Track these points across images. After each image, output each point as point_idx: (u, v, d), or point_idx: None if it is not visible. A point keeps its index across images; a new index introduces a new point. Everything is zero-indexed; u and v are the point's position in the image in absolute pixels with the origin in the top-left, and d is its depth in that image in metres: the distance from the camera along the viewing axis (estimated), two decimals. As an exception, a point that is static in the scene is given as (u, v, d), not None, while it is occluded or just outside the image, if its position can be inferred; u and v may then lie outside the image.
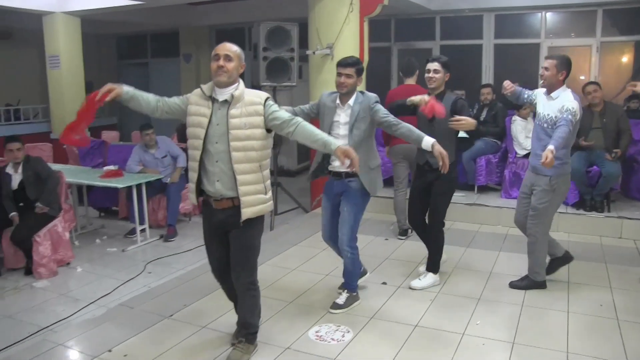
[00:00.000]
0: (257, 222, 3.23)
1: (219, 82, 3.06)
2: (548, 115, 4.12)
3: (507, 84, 4.49)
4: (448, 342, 3.57)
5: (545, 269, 4.49)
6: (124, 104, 3.18)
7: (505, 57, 9.37)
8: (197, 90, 3.19)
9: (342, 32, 6.64)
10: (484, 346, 3.52)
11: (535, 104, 4.34)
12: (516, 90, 4.51)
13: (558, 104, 4.04)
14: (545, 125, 4.14)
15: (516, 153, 6.76)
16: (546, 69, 4.13)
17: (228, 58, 3.06)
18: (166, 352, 3.47)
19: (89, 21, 9.87)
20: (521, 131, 6.66)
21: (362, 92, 3.93)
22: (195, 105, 3.16)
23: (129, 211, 6.82)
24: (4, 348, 3.71)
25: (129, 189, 6.07)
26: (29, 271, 5.17)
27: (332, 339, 3.63)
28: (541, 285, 4.42)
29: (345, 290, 4.12)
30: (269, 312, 3.96)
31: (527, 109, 6.44)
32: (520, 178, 6.52)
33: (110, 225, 6.90)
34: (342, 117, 3.91)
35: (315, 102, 4.10)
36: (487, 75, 9.39)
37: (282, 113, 3.13)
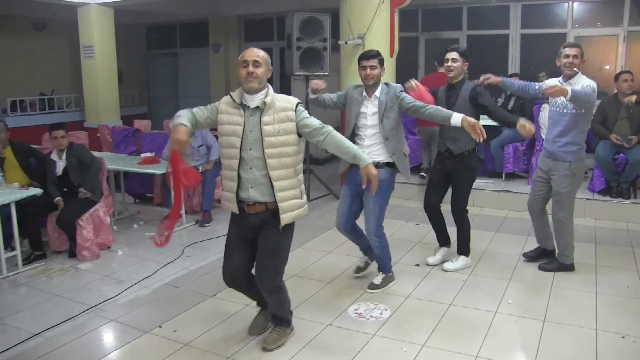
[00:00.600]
0: (290, 227, 3.25)
1: (250, 89, 3.05)
2: (565, 101, 4.20)
3: (483, 77, 4.59)
4: (481, 320, 3.74)
5: (529, 255, 4.78)
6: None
7: (532, 47, 9.42)
8: (227, 98, 3.18)
9: (373, 23, 6.77)
10: (515, 323, 3.68)
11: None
12: (505, 82, 4.66)
13: (578, 87, 4.13)
14: (565, 110, 4.26)
15: (543, 140, 6.83)
16: (575, 57, 4.23)
17: (257, 64, 3.04)
18: (213, 329, 3.68)
19: (119, 11, 10.10)
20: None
21: (386, 84, 4.07)
22: (226, 113, 3.15)
23: (164, 197, 7.06)
24: (58, 324, 3.92)
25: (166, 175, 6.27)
26: (72, 254, 5.38)
27: (371, 316, 3.81)
28: (570, 267, 4.56)
29: (381, 272, 4.28)
30: (309, 292, 4.18)
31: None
32: (548, 166, 6.64)
33: (146, 211, 7.12)
34: (370, 108, 4.03)
35: (342, 93, 4.24)
36: (514, 65, 9.44)
37: (313, 120, 3.13)
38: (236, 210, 3.19)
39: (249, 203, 3.14)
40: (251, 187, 3.10)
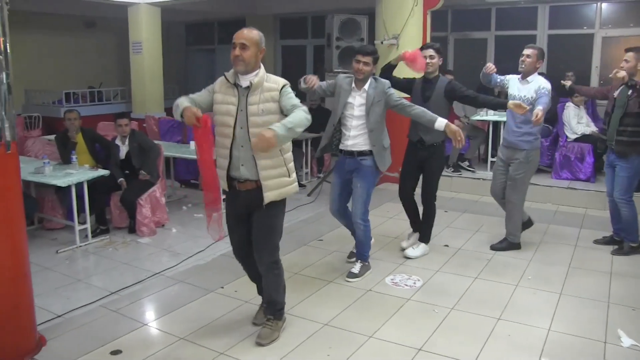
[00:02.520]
0: (278, 204, 3.33)
1: (237, 72, 3.14)
2: (524, 96, 4.70)
3: (490, 66, 4.96)
4: (504, 290, 4.23)
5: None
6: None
7: (559, 48, 9.72)
8: (222, 78, 3.25)
9: (407, 24, 7.24)
10: (534, 295, 4.16)
11: (507, 87, 4.93)
12: (492, 76, 5.04)
13: (534, 86, 4.67)
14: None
15: (567, 137, 7.26)
16: (528, 56, 4.74)
17: (243, 46, 3.09)
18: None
19: (162, 9, 10.68)
20: (573, 117, 7.16)
21: (375, 79, 4.26)
22: (221, 93, 3.23)
23: (210, 183, 7.60)
24: (130, 285, 4.49)
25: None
26: (132, 229, 5.97)
27: (406, 285, 4.34)
28: (517, 246, 5.10)
29: (359, 261, 4.53)
30: (349, 265, 4.69)
31: (579, 97, 6.91)
32: (569, 161, 7.07)
33: (193, 195, 7.68)
34: (357, 99, 4.22)
35: (332, 82, 4.38)
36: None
37: (289, 100, 3.15)
38: (225, 187, 3.32)
39: (240, 180, 3.24)
40: (242, 165, 3.20)
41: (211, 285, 4.36)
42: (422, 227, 5.02)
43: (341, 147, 4.35)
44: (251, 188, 3.24)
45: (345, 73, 7.04)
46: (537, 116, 4.34)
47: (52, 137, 7.33)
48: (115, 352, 3.37)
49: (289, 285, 4.26)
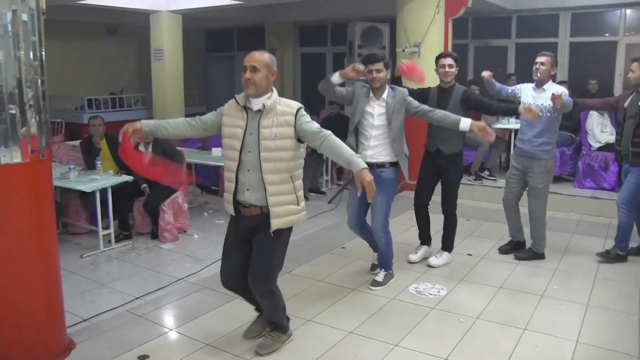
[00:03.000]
0: (284, 233, 3.23)
1: (248, 95, 3.08)
2: (542, 104, 4.67)
3: (486, 73, 4.98)
4: (528, 301, 4.19)
5: (503, 248, 5.25)
6: (151, 136, 3.34)
7: (581, 55, 9.67)
8: (232, 101, 3.18)
9: (428, 32, 7.25)
10: (560, 306, 4.12)
11: (520, 97, 4.90)
12: (492, 82, 5.06)
13: (550, 93, 4.60)
14: (540, 113, 4.69)
15: (590, 146, 7.20)
16: (542, 64, 4.72)
17: (254, 69, 3.02)
18: (292, 298, 4.21)
19: (183, 17, 10.78)
20: (597, 125, 7.11)
21: (392, 88, 4.22)
22: (229, 116, 3.17)
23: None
24: (154, 290, 4.53)
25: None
26: (154, 235, 6.01)
27: (430, 294, 4.32)
28: (541, 256, 5.05)
29: (383, 269, 4.51)
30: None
31: None
32: (593, 170, 7.01)
33: (213, 201, 7.72)
34: (377, 109, 4.16)
35: (351, 89, 4.30)
36: (562, 72, 9.69)
37: (312, 125, 3.09)
38: (232, 212, 3.22)
39: (245, 205, 3.16)
40: (247, 190, 3.11)
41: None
42: (445, 236, 4.99)
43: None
44: (255, 214, 3.15)
45: (366, 81, 7.16)
46: (558, 96, 4.39)
47: (77, 142, 7.43)
48: (143, 357, 3.39)
49: (314, 293, 4.33)
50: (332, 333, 3.70)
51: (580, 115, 7.35)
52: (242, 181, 3.11)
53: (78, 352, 3.46)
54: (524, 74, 4.90)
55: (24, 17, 2.98)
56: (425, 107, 4.20)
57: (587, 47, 9.62)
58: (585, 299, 4.22)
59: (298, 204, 3.21)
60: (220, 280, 3.41)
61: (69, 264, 5.08)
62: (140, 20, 10.60)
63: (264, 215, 3.12)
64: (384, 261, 4.51)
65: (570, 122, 7.38)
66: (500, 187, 7.15)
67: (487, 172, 7.60)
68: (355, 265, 4.92)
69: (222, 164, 6.70)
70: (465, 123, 4.03)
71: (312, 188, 7.84)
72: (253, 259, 3.21)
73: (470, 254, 5.21)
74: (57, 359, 3.34)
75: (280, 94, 3.23)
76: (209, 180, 8.19)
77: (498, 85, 5.09)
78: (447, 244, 5.00)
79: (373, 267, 4.74)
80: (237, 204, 3.19)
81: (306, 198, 7.61)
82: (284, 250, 3.31)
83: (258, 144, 3.05)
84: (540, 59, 4.73)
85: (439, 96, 4.69)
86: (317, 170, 7.81)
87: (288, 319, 3.57)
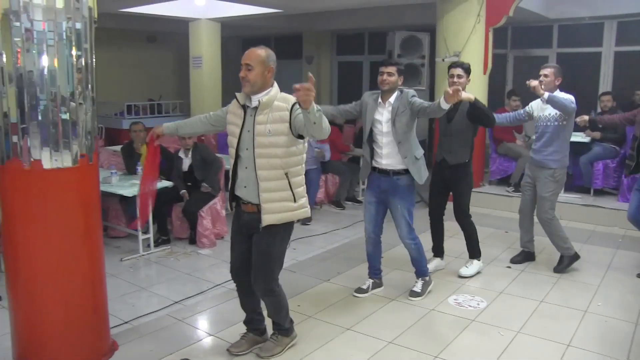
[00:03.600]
0: (279, 229, 3.19)
1: (245, 92, 3.11)
2: (550, 114, 4.75)
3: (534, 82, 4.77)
4: (571, 316, 4.10)
5: (516, 259, 5.21)
6: (175, 136, 3.56)
7: (626, 66, 9.40)
8: (234, 99, 3.23)
9: (468, 41, 7.19)
10: (606, 323, 4.01)
11: (532, 113, 4.96)
12: (509, 116, 5.16)
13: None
14: (548, 123, 4.78)
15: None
16: (545, 75, 4.74)
17: (248, 67, 3.04)
18: (331, 306, 4.24)
19: (222, 25, 10.91)
20: (642, 138, 6.92)
21: (401, 91, 4.12)
22: (231, 114, 3.24)
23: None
24: (192, 295, 4.57)
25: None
26: (192, 240, 6.08)
27: (470, 306, 4.27)
28: (575, 257, 5.01)
29: (420, 278, 4.43)
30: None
31: None
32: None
33: (250, 208, 7.78)
34: (385, 114, 4.09)
35: (358, 102, 4.29)
36: (605, 83, 9.49)
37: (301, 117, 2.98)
38: (229, 207, 3.33)
39: (244, 201, 3.20)
40: (245, 187, 3.16)
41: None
42: (469, 245, 4.96)
43: (374, 164, 4.23)
44: (252, 211, 3.18)
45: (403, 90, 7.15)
46: (532, 82, 4.53)
47: (117, 148, 7.57)
48: (183, 361, 3.43)
49: (352, 302, 4.31)
50: (371, 342, 3.68)
51: (626, 128, 7.18)
52: (241, 177, 3.17)
53: (121, 353, 3.51)
54: (566, 85, 4.83)
55: (78, 25, 3.06)
56: (425, 103, 4.00)
57: (633, 56, 9.34)
58: (634, 317, 4.10)
59: (295, 201, 3.17)
60: (230, 270, 3.47)
61: (110, 266, 5.12)
62: (179, 28, 10.76)
63: (260, 212, 3.13)
64: (419, 268, 4.43)
65: (614, 134, 7.23)
66: (540, 199, 7.07)
67: (526, 184, 7.47)
68: (393, 275, 4.89)
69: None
70: (442, 102, 3.73)
71: (348, 197, 7.83)
72: (253, 258, 3.25)
73: (509, 267, 5.13)
74: (102, 359, 3.40)
75: (317, 102, 3.10)
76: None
77: (510, 115, 5.19)
78: (474, 252, 4.95)
79: (359, 291, 4.47)
80: (237, 199, 3.25)
81: (342, 207, 7.64)
82: (283, 248, 3.30)
83: (253, 139, 3.07)
84: (543, 71, 4.77)
85: None
86: (353, 179, 7.79)
87: (291, 321, 3.58)
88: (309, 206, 3.31)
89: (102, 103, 11.63)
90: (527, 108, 5.05)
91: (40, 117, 3.00)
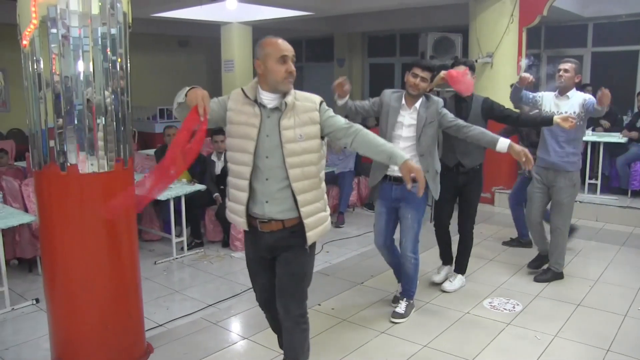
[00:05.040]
0: (313, 246, 2.79)
1: (288, 90, 2.63)
2: (566, 112, 4.40)
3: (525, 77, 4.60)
4: (610, 321, 3.99)
5: (533, 265, 4.97)
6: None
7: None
8: (238, 93, 2.72)
9: (502, 42, 7.09)
10: (646, 327, 3.90)
11: (541, 105, 4.63)
12: (521, 90, 4.73)
13: (577, 99, 4.46)
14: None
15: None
16: (566, 70, 4.47)
17: (294, 60, 2.65)
18: (362, 311, 4.21)
19: (253, 28, 10.98)
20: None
21: (427, 97, 3.85)
22: (236, 111, 2.68)
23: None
24: (226, 299, 4.59)
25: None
26: (225, 244, 6.10)
27: (505, 309, 4.20)
28: (560, 275, 4.77)
29: (405, 299, 4.10)
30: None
31: None
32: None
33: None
34: (407, 119, 3.80)
35: (376, 99, 3.96)
36: (645, 82, 9.30)
37: (338, 119, 2.69)
38: (245, 227, 2.76)
39: (263, 220, 2.70)
40: (267, 202, 2.66)
41: (308, 301, 4.33)
42: (459, 257, 4.63)
43: (388, 172, 3.87)
44: (277, 229, 2.69)
45: (438, 92, 7.08)
46: (603, 93, 4.15)
47: (151, 151, 7.67)
48: (218, 364, 3.45)
49: (387, 304, 4.26)
50: (406, 346, 3.65)
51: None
52: (261, 191, 2.66)
53: (156, 356, 3.54)
54: (601, 84, 4.66)
55: (113, 30, 3.10)
56: (460, 121, 3.79)
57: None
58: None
59: (325, 210, 2.81)
60: (257, 299, 3.06)
61: (144, 270, 5.15)
62: (211, 32, 10.87)
63: (287, 230, 2.69)
64: (408, 289, 4.10)
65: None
66: (574, 201, 6.92)
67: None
68: (427, 278, 4.83)
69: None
70: (502, 144, 3.60)
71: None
72: (281, 282, 2.77)
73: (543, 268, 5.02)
74: (137, 362, 3.44)
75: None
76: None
77: (524, 92, 4.78)
78: (462, 266, 4.65)
79: (395, 300, 4.27)
80: (249, 217, 2.73)
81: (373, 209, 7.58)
82: (313, 265, 2.90)
83: (281, 147, 2.58)
84: (563, 66, 4.51)
85: (457, 106, 4.30)
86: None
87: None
88: None
89: (135, 107, 11.76)
90: (537, 96, 4.68)
91: (76, 122, 3.05)
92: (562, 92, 4.54)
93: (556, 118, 4.07)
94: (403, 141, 3.80)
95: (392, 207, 3.95)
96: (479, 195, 4.56)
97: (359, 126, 2.69)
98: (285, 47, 2.59)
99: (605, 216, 6.65)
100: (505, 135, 4.45)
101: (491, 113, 4.29)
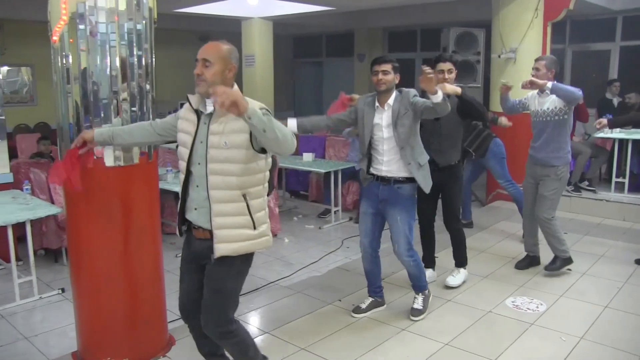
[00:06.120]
0: (235, 261, 2.63)
1: (199, 93, 2.59)
2: (548, 108, 4.50)
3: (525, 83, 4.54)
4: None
5: (520, 265, 4.99)
6: (109, 145, 2.99)
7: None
8: (187, 103, 2.69)
9: (525, 37, 7.00)
10: (675, 329, 3.83)
11: (528, 107, 4.72)
12: (508, 97, 4.83)
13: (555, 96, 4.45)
14: (548, 118, 4.52)
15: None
16: (537, 69, 4.52)
17: (206, 63, 2.53)
18: (383, 308, 4.17)
19: (274, 23, 10.99)
20: None
21: (399, 91, 3.73)
22: (184, 120, 2.69)
23: (320, 195, 7.71)
24: (247, 292, 4.59)
25: (326, 174, 6.92)
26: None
27: (528, 309, 4.14)
28: (569, 260, 4.80)
29: (420, 293, 4.05)
30: (471, 282, 4.62)
31: None
32: None
33: (303, 206, 7.83)
34: (384, 118, 3.68)
35: (352, 108, 3.88)
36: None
37: None
38: (178, 233, 2.79)
39: (195, 226, 2.67)
40: (195, 209, 2.63)
41: (329, 297, 4.37)
42: (456, 252, 4.60)
43: (373, 171, 3.79)
44: (204, 237, 2.63)
45: (459, 87, 7.01)
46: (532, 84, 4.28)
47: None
48: (240, 358, 3.45)
49: (407, 302, 4.21)
50: (427, 344, 3.62)
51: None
52: (191, 197, 2.64)
53: (178, 348, 3.56)
54: (630, 80, 4.58)
55: (139, 26, 3.13)
56: (428, 102, 3.49)
57: None
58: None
59: (255, 228, 2.61)
60: (179, 309, 2.93)
61: (166, 262, 5.08)
62: (232, 27, 10.89)
63: (212, 240, 2.58)
64: (419, 284, 4.03)
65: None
66: (600, 200, 6.85)
67: (586, 183, 7.23)
68: (446, 275, 4.79)
69: (312, 169, 6.90)
70: (431, 97, 3.36)
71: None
72: (204, 294, 2.71)
73: (569, 269, 4.94)
74: (160, 353, 3.47)
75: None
76: (298, 185, 8.29)
77: (511, 102, 4.86)
78: (461, 260, 4.61)
79: (357, 310, 4.07)
80: (188, 222, 2.71)
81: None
82: (239, 284, 2.76)
83: (206, 153, 2.54)
84: (535, 65, 4.57)
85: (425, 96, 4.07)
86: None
87: (265, 357, 3.02)
88: (270, 234, 2.76)
89: (157, 101, 11.92)
90: (522, 99, 4.80)
91: (102, 116, 3.09)
92: (542, 89, 4.48)
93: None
94: (387, 142, 3.70)
95: (378, 208, 3.86)
96: (459, 192, 4.50)
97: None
98: (200, 50, 2.59)
99: (633, 216, 6.54)
100: None
101: (460, 110, 4.13)
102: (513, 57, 7.04)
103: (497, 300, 4.28)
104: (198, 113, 2.61)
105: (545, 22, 7.19)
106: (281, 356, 3.48)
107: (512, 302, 4.27)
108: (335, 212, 6.98)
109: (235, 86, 2.59)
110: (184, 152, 2.63)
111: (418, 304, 4.03)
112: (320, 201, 7.61)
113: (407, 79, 12.14)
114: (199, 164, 2.57)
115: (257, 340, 3.70)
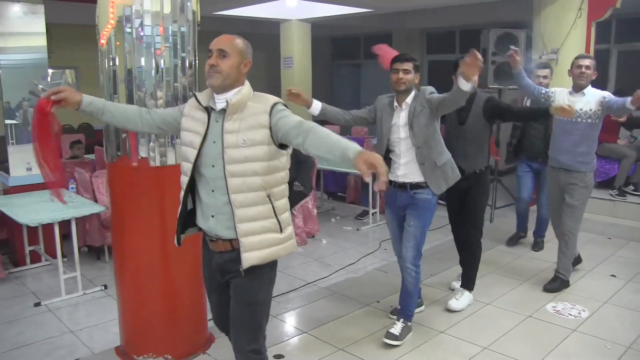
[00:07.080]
0: (264, 271, 2.41)
1: (211, 86, 2.36)
2: (582, 109, 4.23)
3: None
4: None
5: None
6: (90, 115, 2.52)
7: None
8: (192, 99, 2.47)
9: (568, 37, 6.87)
10: None
11: (553, 101, 4.37)
12: (521, 72, 4.55)
13: (593, 97, 4.25)
14: (579, 119, 4.24)
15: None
16: (588, 67, 4.28)
17: (223, 54, 2.31)
18: (422, 310, 4.15)
19: (312, 25, 11.04)
20: None
21: (418, 90, 3.59)
22: (189, 118, 2.45)
23: (357, 196, 7.70)
24: (285, 292, 4.63)
25: (364, 176, 6.89)
26: (283, 239, 6.16)
27: (570, 314, 4.07)
28: (566, 284, 4.54)
29: (402, 320, 3.73)
30: (510, 286, 4.57)
31: None
32: None
33: (340, 207, 7.82)
34: (402, 118, 3.55)
35: (371, 106, 3.78)
36: None
37: (291, 119, 2.29)
38: (175, 242, 2.57)
39: (212, 238, 2.45)
40: (212, 216, 2.39)
41: (367, 298, 4.38)
42: (465, 270, 4.29)
43: (391, 177, 3.63)
44: (225, 250, 2.41)
45: (500, 89, 6.92)
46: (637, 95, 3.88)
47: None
48: (278, 357, 3.49)
49: (446, 304, 4.20)
50: (466, 347, 3.60)
51: None
52: (207, 204, 2.40)
53: (217, 345, 3.62)
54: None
55: (183, 28, 3.19)
56: (443, 94, 3.41)
57: None
58: None
59: (281, 231, 2.41)
60: (215, 324, 2.75)
61: None
62: (270, 29, 10.99)
63: (236, 251, 2.36)
64: (406, 307, 3.74)
65: None
66: (646, 204, 6.67)
67: (631, 187, 7.05)
68: (488, 278, 4.75)
69: (350, 171, 6.89)
70: (461, 82, 3.16)
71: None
72: (232, 311, 2.47)
73: (614, 275, 4.84)
74: (200, 350, 3.54)
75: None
76: (336, 186, 8.30)
77: (527, 80, 4.59)
78: (469, 282, 4.28)
79: (395, 312, 3.97)
80: (204, 233, 2.51)
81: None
82: (270, 294, 2.53)
83: (222, 154, 2.31)
84: (584, 62, 4.29)
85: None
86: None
87: None
88: (295, 237, 2.56)
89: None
90: (549, 92, 4.47)
91: (147, 117, 3.16)
92: (578, 88, 4.34)
93: (553, 108, 3.86)
94: (404, 143, 3.57)
95: (400, 215, 3.73)
96: (484, 202, 4.22)
97: (312, 123, 2.25)
98: (215, 41, 2.37)
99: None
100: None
101: (493, 112, 4.00)
102: (555, 58, 6.91)
103: (538, 305, 4.22)
104: (208, 110, 2.38)
105: (589, 22, 7.04)
106: (319, 356, 3.51)
107: (553, 307, 4.20)
108: (373, 214, 6.96)
109: (247, 83, 2.41)
110: (189, 152, 2.39)
111: (396, 329, 3.69)
112: (358, 203, 7.60)
113: (447, 80, 12.09)
114: (212, 166, 2.34)
115: (295, 340, 3.76)
